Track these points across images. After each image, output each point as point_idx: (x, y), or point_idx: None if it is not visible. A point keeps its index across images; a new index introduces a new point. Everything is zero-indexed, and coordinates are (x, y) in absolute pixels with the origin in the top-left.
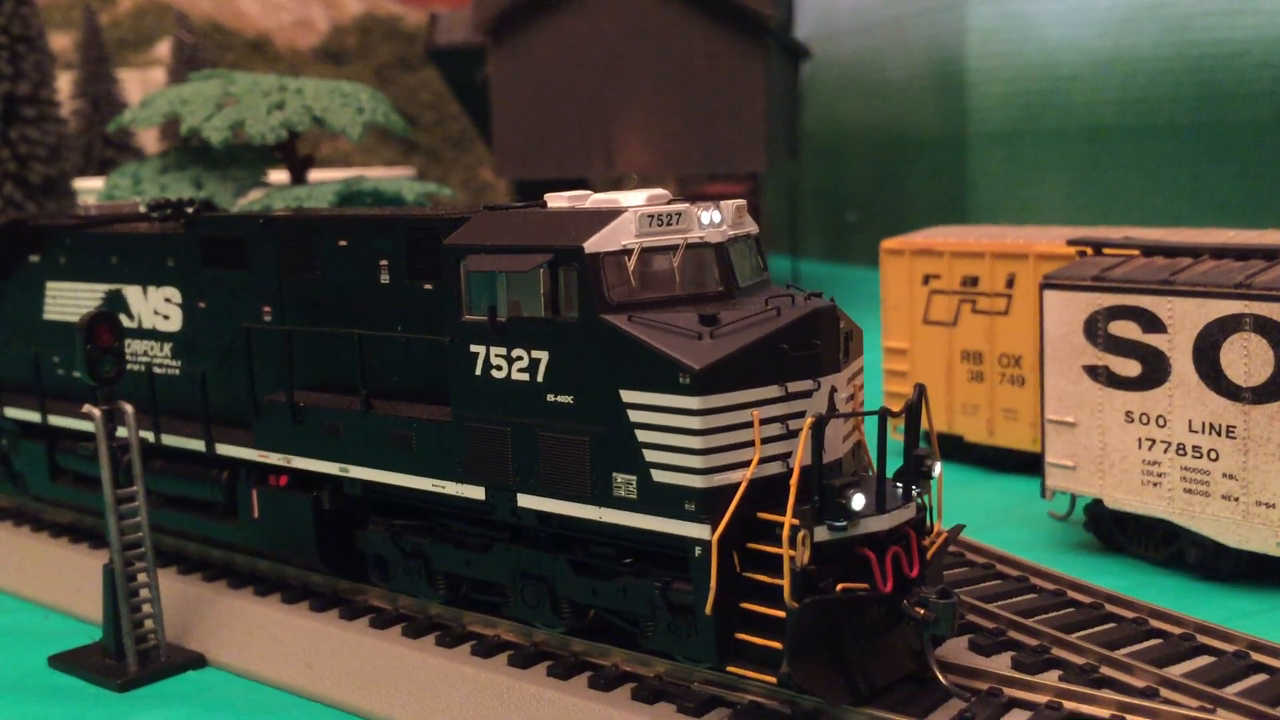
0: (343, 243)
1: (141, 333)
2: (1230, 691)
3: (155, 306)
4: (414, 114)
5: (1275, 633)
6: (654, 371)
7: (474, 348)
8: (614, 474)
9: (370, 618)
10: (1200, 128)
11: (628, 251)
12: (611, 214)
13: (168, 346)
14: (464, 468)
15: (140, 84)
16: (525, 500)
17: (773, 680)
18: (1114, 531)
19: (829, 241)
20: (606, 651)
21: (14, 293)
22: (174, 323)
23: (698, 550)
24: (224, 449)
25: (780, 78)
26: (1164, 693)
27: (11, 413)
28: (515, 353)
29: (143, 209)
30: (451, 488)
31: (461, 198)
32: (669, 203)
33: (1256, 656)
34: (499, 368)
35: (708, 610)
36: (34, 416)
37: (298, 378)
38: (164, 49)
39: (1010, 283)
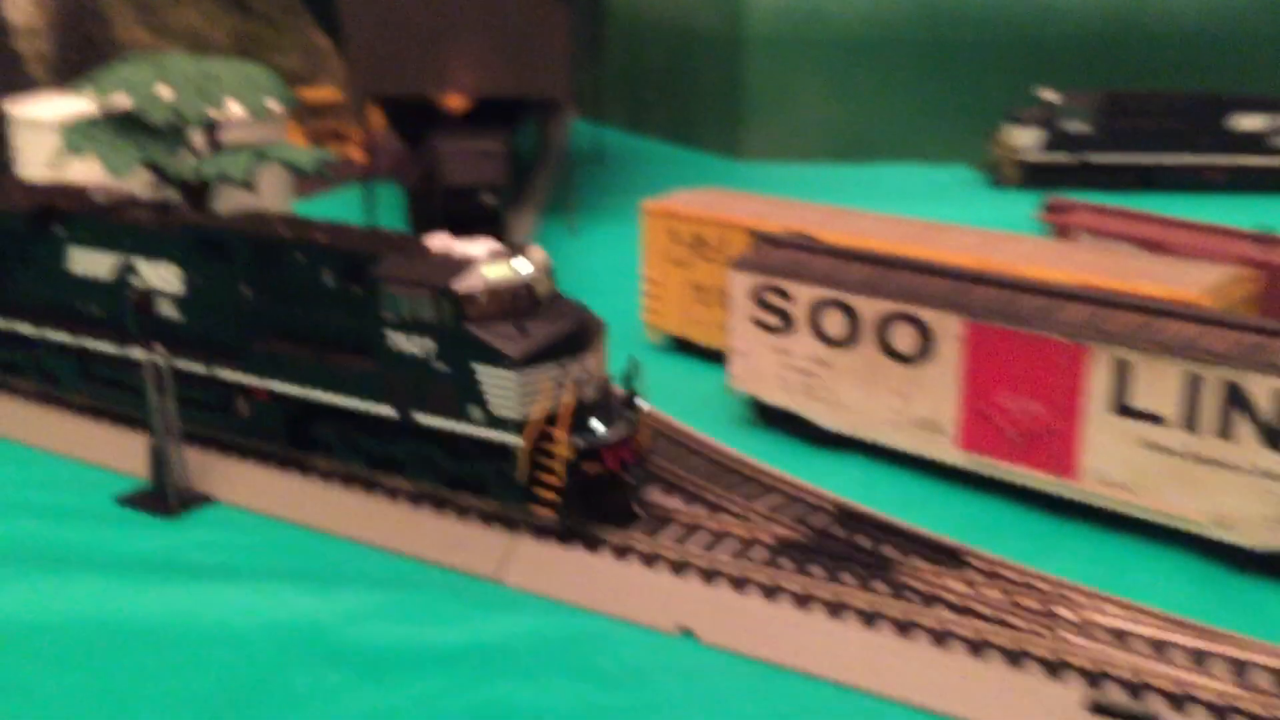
0: (299, 257)
1: (153, 291)
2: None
3: (160, 275)
4: None
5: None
6: (493, 356)
7: (389, 333)
8: (470, 406)
9: (320, 475)
10: (927, 45)
11: (481, 287)
12: (470, 262)
13: (173, 301)
14: (382, 396)
15: None
16: (419, 416)
17: (553, 513)
18: (763, 413)
19: (630, 114)
20: (465, 495)
21: (41, 251)
22: (176, 287)
23: (515, 449)
24: (224, 374)
25: (584, 6)
26: (738, 508)
27: (54, 336)
28: (415, 339)
29: (137, 193)
30: (373, 406)
31: (299, 65)
32: (502, 254)
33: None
34: (405, 345)
35: (520, 478)
36: (69, 340)
37: (272, 331)
38: None
39: (723, 244)
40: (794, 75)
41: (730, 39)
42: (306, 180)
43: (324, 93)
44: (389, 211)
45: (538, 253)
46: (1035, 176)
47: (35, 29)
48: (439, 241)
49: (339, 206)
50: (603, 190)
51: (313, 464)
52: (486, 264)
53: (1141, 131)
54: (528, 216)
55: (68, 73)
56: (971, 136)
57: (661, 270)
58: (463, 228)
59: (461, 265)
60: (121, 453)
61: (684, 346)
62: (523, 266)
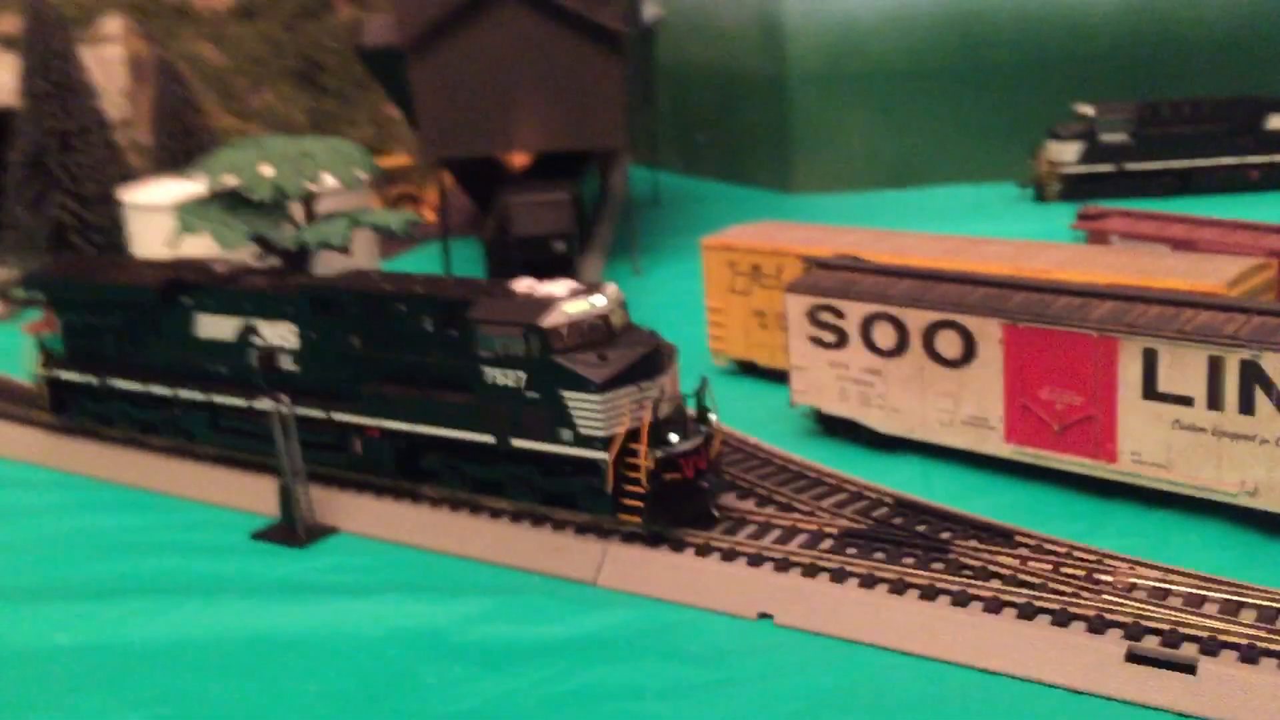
0: (402, 307)
1: (275, 348)
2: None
3: (279, 333)
4: (320, 59)
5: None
6: (579, 382)
7: (484, 369)
8: (560, 429)
9: (429, 501)
10: (964, 70)
11: (564, 322)
12: (552, 301)
13: (292, 355)
14: (481, 425)
15: (97, 63)
16: (515, 441)
17: (639, 520)
18: (825, 423)
19: (684, 157)
20: (560, 510)
21: (172, 318)
22: (293, 343)
23: (603, 464)
24: (339, 417)
25: (636, 62)
26: (806, 506)
27: (185, 394)
28: (508, 372)
29: (252, 263)
30: (473, 436)
31: (371, 136)
32: (580, 291)
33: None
34: (499, 378)
35: (608, 490)
36: (200, 397)
37: (380, 376)
38: (113, 24)
39: (779, 271)
40: (838, 108)
41: (775, 78)
42: (391, 241)
43: (396, 159)
44: (464, 264)
45: (612, 288)
46: (1078, 188)
47: (129, 121)
48: (523, 284)
49: (421, 262)
50: (662, 231)
51: (422, 492)
52: (567, 301)
53: (1178, 138)
54: (595, 260)
55: (167, 160)
56: (1013, 155)
57: (723, 300)
58: (537, 274)
59: (545, 304)
60: (250, 495)
61: (748, 369)
62: (599, 301)
